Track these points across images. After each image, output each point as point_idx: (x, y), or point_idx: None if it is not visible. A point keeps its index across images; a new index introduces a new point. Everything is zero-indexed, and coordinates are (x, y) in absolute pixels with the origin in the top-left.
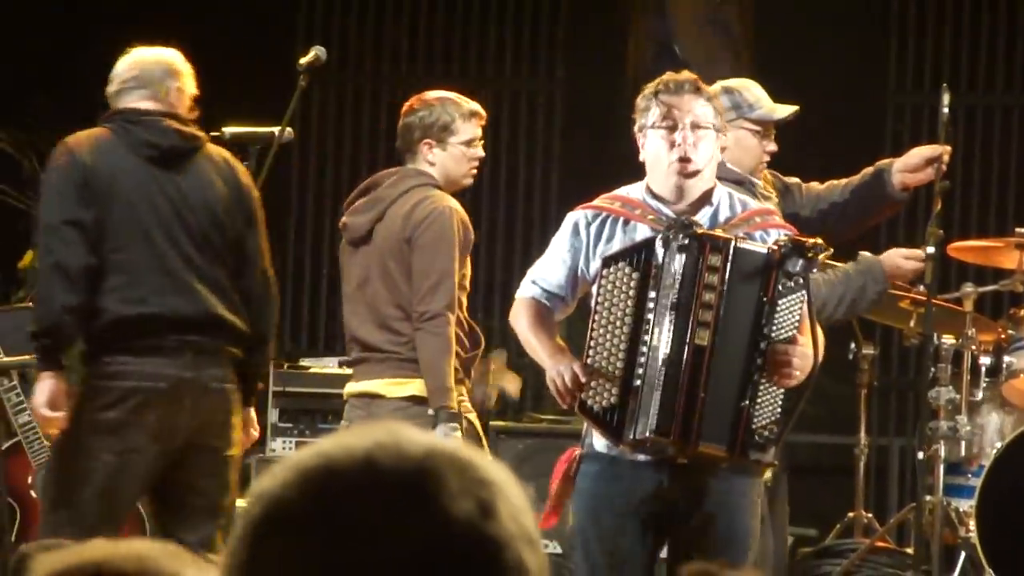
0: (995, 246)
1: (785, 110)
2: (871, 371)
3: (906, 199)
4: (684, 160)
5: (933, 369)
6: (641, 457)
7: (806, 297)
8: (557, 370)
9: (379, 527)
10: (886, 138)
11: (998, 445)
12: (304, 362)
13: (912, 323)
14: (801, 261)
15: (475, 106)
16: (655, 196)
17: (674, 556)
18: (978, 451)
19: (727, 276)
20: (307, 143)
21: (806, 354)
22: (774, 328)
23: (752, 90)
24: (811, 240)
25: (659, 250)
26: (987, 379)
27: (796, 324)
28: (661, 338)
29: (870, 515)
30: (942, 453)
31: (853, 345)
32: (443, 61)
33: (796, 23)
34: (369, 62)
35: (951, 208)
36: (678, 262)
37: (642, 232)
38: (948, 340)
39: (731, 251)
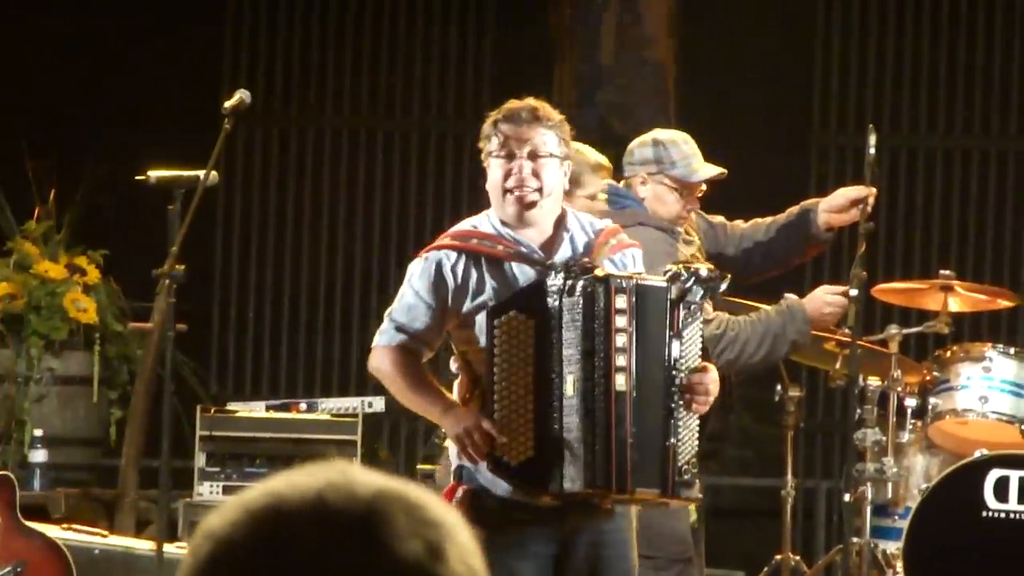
0: (919, 288)
1: (707, 172)
2: (797, 413)
3: (831, 239)
4: (520, 188)
5: (859, 411)
6: (547, 500)
7: (702, 322)
8: (464, 428)
9: (327, 568)
10: (811, 178)
11: (924, 487)
12: (231, 406)
13: (838, 365)
14: (701, 291)
15: (602, 159)
16: (508, 227)
17: None
18: (904, 493)
19: (636, 316)
20: (232, 186)
21: (715, 378)
22: (684, 360)
23: (680, 146)
24: (706, 268)
25: (552, 295)
26: (913, 421)
27: (699, 351)
28: (576, 386)
29: (797, 557)
30: (869, 495)
31: (779, 387)
32: (369, 102)
33: (721, 63)
34: (295, 105)
35: (875, 250)
36: (580, 306)
37: (515, 271)
38: (874, 382)
39: (636, 290)
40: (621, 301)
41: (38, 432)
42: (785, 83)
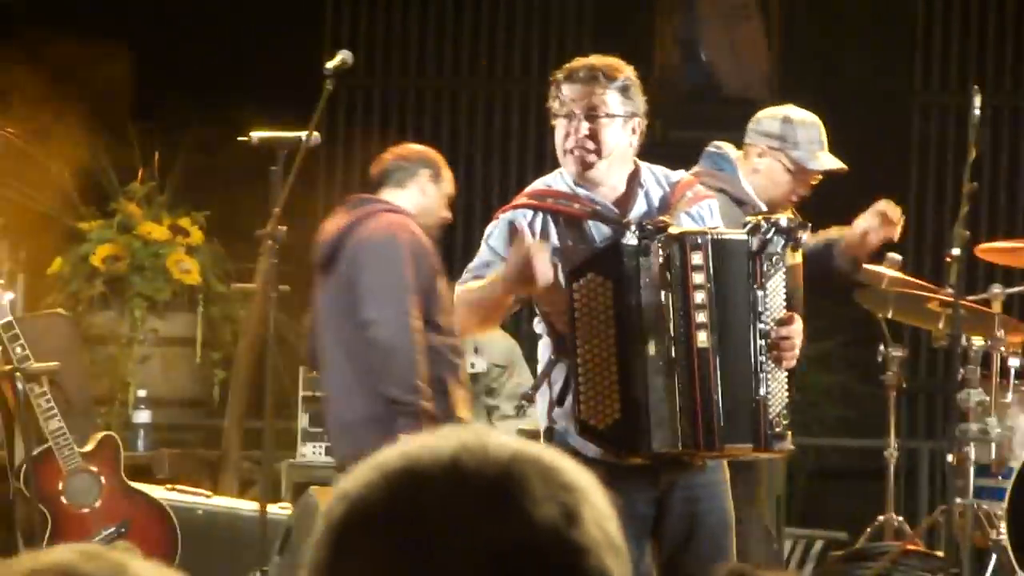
0: (1022, 247)
1: (827, 162)
2: (900, 373)
3: (857, 272)
4: (578, 149)
5: (962, 371)
6: (637, 460)
7: (785, 272)
8: (515, 268)
9: (462, 530)
10: (912, 139)
11: None
12: None
13: (940, 325)
14: (782, 240)
15: None
16: (581, 185)
17: (666, 550)
18: (1008, 453)
19: (712, 272)
20: (333, 147)
21: (800, 330)
22: (769, 312)
23: (809, 129)
24: (786, 217)
25: (628, 255)
26: (1016, 381)
27: (784, 303)
28: (658, 347)
29: (901, 518)
30: (972, 455)
31: (882, 347)
32: (470, 64)
33: (821, 26)
34: (396, 65)
35: (978, 209)
36: (656, 265)
37: (594, 230)
38: (977, 342)
39: (711, 245)
40: (697, 258)
41: (142, 393)
42: (887, 42)
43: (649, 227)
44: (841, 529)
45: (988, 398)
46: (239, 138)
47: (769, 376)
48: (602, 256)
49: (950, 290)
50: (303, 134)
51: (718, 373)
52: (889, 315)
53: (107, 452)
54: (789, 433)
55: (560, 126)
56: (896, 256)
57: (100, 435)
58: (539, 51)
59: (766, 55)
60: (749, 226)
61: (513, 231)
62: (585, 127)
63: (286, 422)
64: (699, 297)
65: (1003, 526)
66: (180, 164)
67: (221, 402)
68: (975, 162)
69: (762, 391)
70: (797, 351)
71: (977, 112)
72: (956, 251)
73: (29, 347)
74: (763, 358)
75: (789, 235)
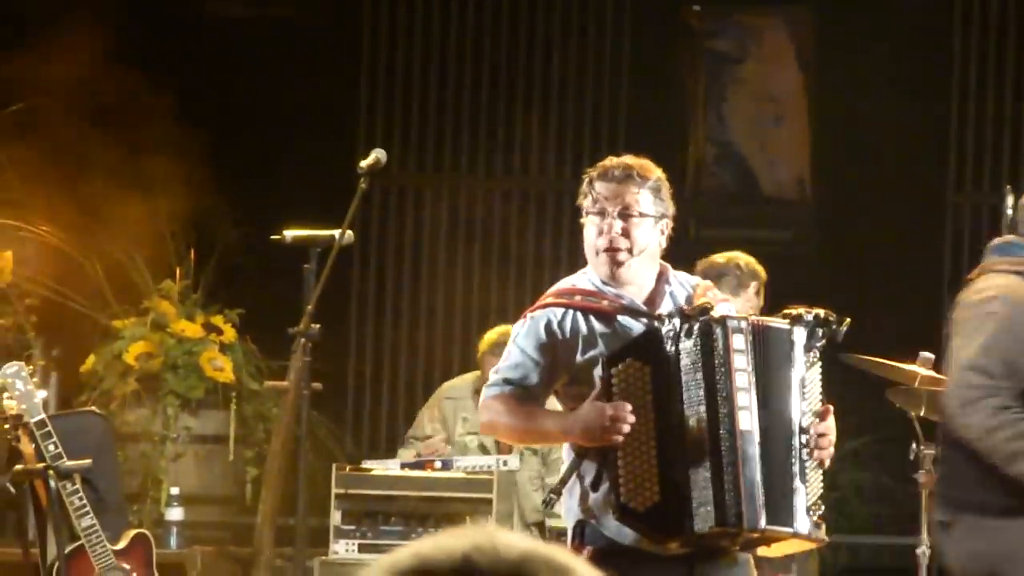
0: None
1: None
2: (933, 471)
3: None
4: (610, 249)
5: None
6: (672, 548)
7: (822, 365)
8: (591, 417)
9: None
10: (946, 238)
11: None
12: (366, 464)
13: None
14: (822, 332)
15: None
16: (605, 283)
17: None
18: None
19: (754, 356)
20: (367, 245)
21: (833, 426)
22: (809, 403)
23: None
24: (825, 311)
25: (668, 339)
26: None
27: (821, 394)
28: (700, 427)
29: None
30: None
31: (914, 445)
32: (504, 162)
33: (856, 122)
34: (429, 164)
35: None
36: (698, 346)
37: (627, 324)
38: None
39: (752, 330)
40: (739, 341)
41: (175, 490)
42: (920, 141)
43: (691, 311)
44: None
45: None
46: (272, 236)
47: (807, 466)
48: (640, 342)
49: None
50: (336, 232)
51: (759, 455)
52: (921, 413)
53: (140, 549)
54: (823, 525)
55: (592, 223)
56: (929, 355)
57: (133, 532)
58: (573, 151)
59: (801, 156)
60: (792, 316)
61: (607, 389)
62: (619, 225)
63: (319, 519)
64: (740, 380)
65: None
66: (214, 262)
67: (254, 499)
68: None
69: (799, 479)
70: (832, 448)
71: (1010, 212)
72: None
73: (62, 444)
74: (803, 446)
75: (830, 328)
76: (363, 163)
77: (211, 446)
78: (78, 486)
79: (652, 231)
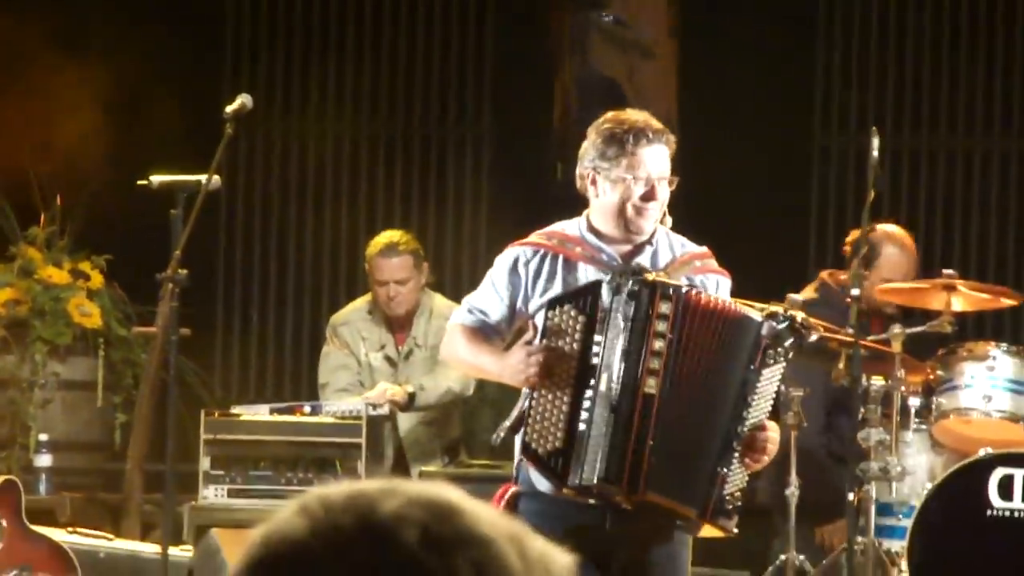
0: (922, 287)
1: None
2: (800, 413)
3: None
4: (649, 214)
5: (863, 410)
6: (588, 500)
7: (783, 368)
8: (517, 359)
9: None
10: (813, 180)
11: (928, 486)
12: (235, 410)
13: (841, 365)
14: (791, 337)
15: None
16: (596, 234)
17: None
18: (909, 492)
19: (682, 327)
20: (234, 190)
21: (775, 439)
22: (755, 399)
23: None
24: (802, 316)
25: (606, 294)
26: (916, 420)
27: (773, 396)
28: (609, 384)
29: (802, 557)
30: (873, 494)
31: (782, 387)
32: (370, 107)
33: (722, 66)
34: (296, 109)
35: None
36: (626, 308)
37: (585, 273)
38: (877, 382)
39: (687, 302)
40: (665, 307)
41: (43, 437)
42: (787, 85)
43: (628, 270)
44: (743, 567)
45: (889, 437)
46: (139, 182)
47: (734, 456)
48: (581, 292)
49: (850, 330)
50: (203, 177)
51: (660, 422)
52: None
53: (9, 496)
54: (736, 517)
55: (626, 185)
56: (796, 297)
57: (1, 479)
58: (439, 99)
59: (668, 97)
60: (768, 311)
61: (521, 332)
62: (664, 190)
63: (188, 465)
64: (657, 344)
65: (904, 564)
66: (81, 208)
67: (123, 446)
68: (874, 203)
69: (716, 463)
70: (767, 459)
71: (876, 154)
72: (856, 292)
73: None
74: (737, 435)
75: (799, 335)
76: (229, 108)
77: (79, 392)
78: None
79: (667, 192)
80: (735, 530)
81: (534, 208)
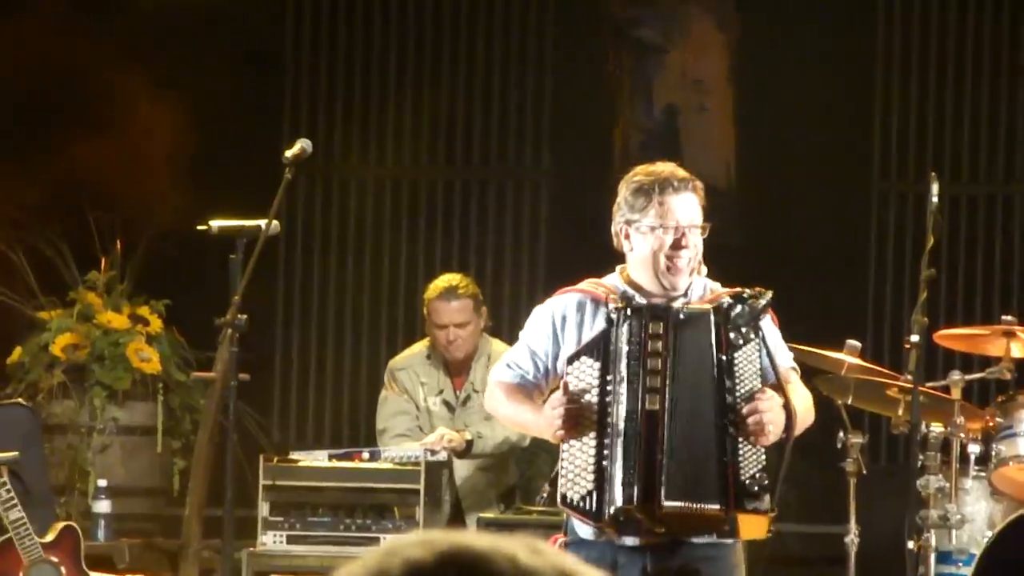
0: (981, 334)
1: None
2: (860, 460)
3: None
4: (680, 263)
5: (922, 457)
6: (628, 541)
7: (762, 347)
8: (549, 416)
9: None
10: (871, 226)
11: (988, 533)
12: (294, 455)
13: (900, 411)
14: (745, 309)
15: None
16: (633, 286)
17: None
18: (968, 540)
19: (672, 341)
20: (293, 235)
21: (774, 407)
22: (737, 382)
23: None
24: (751, 289)
25: (612, 334)
26: (976, 467)
27: (757, 373)
28: (617, 413)
29: None
30: (932, 542)
31: (841, 433)
32: (429, 152)
33: (781, 110)
34: (355, 154)
35: (937, 296)
36: (624, 337)
37: (603, 316)
38: (936, 428)
39: (670, 316)
40: (656, 327)
41: (102, 482)
42: (845, 130)
43: (621, 302)
44: None
45: (948, 484)
46: (199, 227)
47: (739, 443)
48: (595, 340)
49: (909, 376)
50: (263, 222)
51: (667, 435)
52: (848, 401)
53: (68, 542)
54: (767, 496)
55: (657, 236)
56: (855, 343)
57: (60, 525)
58: (498, 141)
59: (726, 144)
60: (712, 300)
61: (565, 388)
62: (696, 238)
63: (246, 510)
64: (651, 363)
65: None
66: (140, 253)
67: (181, 491)
68: (933, 249)
69: (729, 454)
70: (770, 427)
71: (935, 200)
72: (915, 338)
73: None
74: (730, 421)
75: (749, 304)
76: (288, 153)
77: (138, 437)
78: (5, 479)
79: (700, 239)
80: (774, 510)
81: (592, 253)
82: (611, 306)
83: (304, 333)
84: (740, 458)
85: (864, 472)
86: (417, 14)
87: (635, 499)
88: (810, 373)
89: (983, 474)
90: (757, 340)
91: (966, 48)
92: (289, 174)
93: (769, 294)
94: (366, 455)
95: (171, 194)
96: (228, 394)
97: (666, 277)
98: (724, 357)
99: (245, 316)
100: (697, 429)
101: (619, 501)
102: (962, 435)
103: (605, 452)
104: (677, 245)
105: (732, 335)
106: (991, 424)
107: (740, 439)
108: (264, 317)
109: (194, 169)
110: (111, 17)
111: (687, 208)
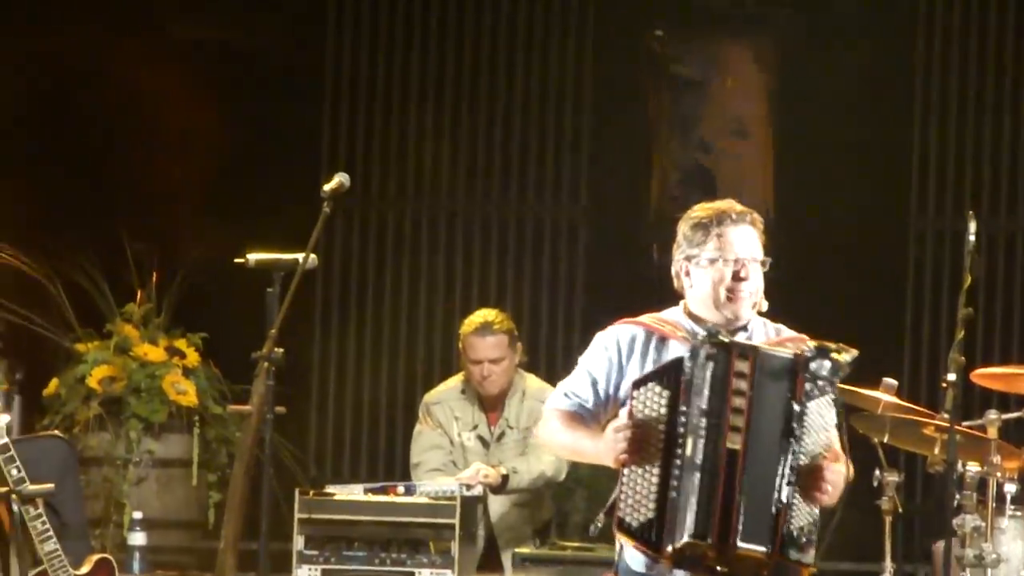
0: (1018, 373)
1: None
2: (896, 498)
3: None
4: (741, 295)
5: (958, 496)
6: (678, 574)
7: (833, 404)
8: (607, 440)
9: None
10: (909, 264)
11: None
12: (329, 489)
13: (936, 450)
14: (827, 363)
15: None
16: (694, 319)
17: None
18: None
19: (755, 380)
20: (330, 269)
21: (838, 473)
22: (805, 431)
23: None
24: (836, 344)
25: (687, 365)
26: (1012, 506)
27: (827, 427)
28: (695, 448)
29: None
30: None
31: (877, 472)
32: (466, 188)
33: (818, 147)
34: (393, 188)
35: (974, 335)
36: (707, 371)
37: (674, 349)
38: (973, 467)
39: (757, 356)
40: (742, 365)
41: (137, 515)
42: (882, 168)
43: (705, 337)
44: None
45: (984, 523)
46: (236, 260)
47: (795, 494)
48: (666, 367)
49: (946, 415)
50: (300, 256)
51: (744, 476)
52: (885, 440)
53: (103, 574)
54: (812, 550)
55: (716, 269)
56: (892, 381)
57: (96, 557)
58: (535, 178)
59: (765, 181)
60: (801, 347)
61: (630, 413)
62: (756, 271)
63: (282, 544)
64: (737, 401)
65: None
66: (177, 285)
67: (216, 524)
68: (970, 288)
69: (785, 497)
70: (829, 489)
71: (972, 238)
72: (952, 376)
73: (25, 469)
74: (792, 469)
75: (831, 359)
76: (327, 187)
77: (174, 470)
78: (41, 511)
79: (761, 274)
80: (812, 564)
81: (630, 290)
82: (699, 336)
83: (340, 366)
84: (794, 508)
85: (900, 511)
86: (456, 49)
87: (708, 534)
88: (847, 411)
89: (1019, 514)
90: (831, 395)
91: (1004, 83)
92: (327, 208)
93: (855, 353)
94: (401, 489)
95: (209, 227)
96: (264, 427)
97: (727, 307)
98: (797, 407)
99: (281, 350)
100: (762, 469)
101: (688, 532)
102: (998, 474)
103: (673, 483)
104: (737, 277)
105: (808, 386)
106: None
107: (795, 489)
108: (300, 351)
109: (232, 202)
110: (151, 45)
111: (746, 240)
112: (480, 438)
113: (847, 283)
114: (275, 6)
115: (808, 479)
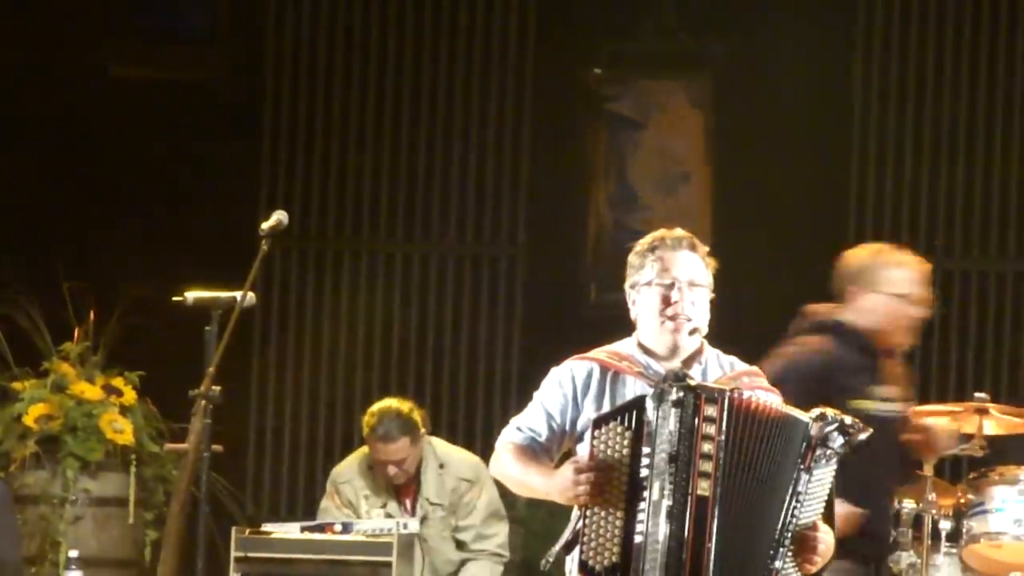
0: (954, 410)
1: None
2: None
3: None
4: (680, 318)
5: (894, 533)
6: None
7: (835, 470)
8: (565, 479)
9: None
10: None
11: None
12: (266, 527)
13: None
14: (843, 439)
15: None
16: (646, 351)
17: None
18: None
19: (728, 430)
20: (268, 307)
21: (828, 545)
22: (804, 498)
23: None
24: (852, 419)
25: (650, 406)
26: (947, 543)
27: (823, 498)
28: (662, 492)
29: None
30: None
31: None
32: (405, 226)
33: (758, 186)
34: (332, 226)
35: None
36: (673, 416)
37: (631, 386)
38: (908, 504)
39: (732, 405)
40: (711, 410)
41: (73, 553)
42: (824, 206)
43: (670, 378)
44: None
45: (920, 560)
46: (174, 298)
47: (789, 552)
48: (628, 406)
49: None
50: (238, 294)
51: (717, 525)
52: None
53: None
54: None
55: (655, 294)
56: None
57: None
58: (474, 215)
59: (703, 221)
60: (817, 412)
61: (591, 453)
62: (688, 295)
63: None
64: (706, 447)
65: None
66: (114, 323)
67: (153, 563)
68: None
69: (778, 564)
70: (819, 560)
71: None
72: None
73: None
74: (788, 535)
75: (848, 435)
76: (265, 224)
77: (110, 509)
78: None
79: (707, 302)
80: None
81: (568, 328)
82: (658, 374)
83: (278, 405)
84: (783, 571)
85: None
86: (395, 87)
87: None
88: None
89: (954, 551)
90: (835, 466)
91: (942, 119)
92: (266, 246)
93: (870, 432)
94: (339, 527)
95: (146, 264)
96: (201, 466)
97: (665, 334)
98: (803, 470)
99: (219, 388)
100: (751, 528)
101: None
102: (934, 511)
103: (639, 527)
104: (667, 300)
105: (818, 451)
106: (963, 501)
107: (788, 553)
108: (238, 389)
109: (170, 239)
110: (90, 83)
111: (683, 264)
112: (389, 516)
113: (789, 318)
114: (213, 44)
115: (800, 545)
